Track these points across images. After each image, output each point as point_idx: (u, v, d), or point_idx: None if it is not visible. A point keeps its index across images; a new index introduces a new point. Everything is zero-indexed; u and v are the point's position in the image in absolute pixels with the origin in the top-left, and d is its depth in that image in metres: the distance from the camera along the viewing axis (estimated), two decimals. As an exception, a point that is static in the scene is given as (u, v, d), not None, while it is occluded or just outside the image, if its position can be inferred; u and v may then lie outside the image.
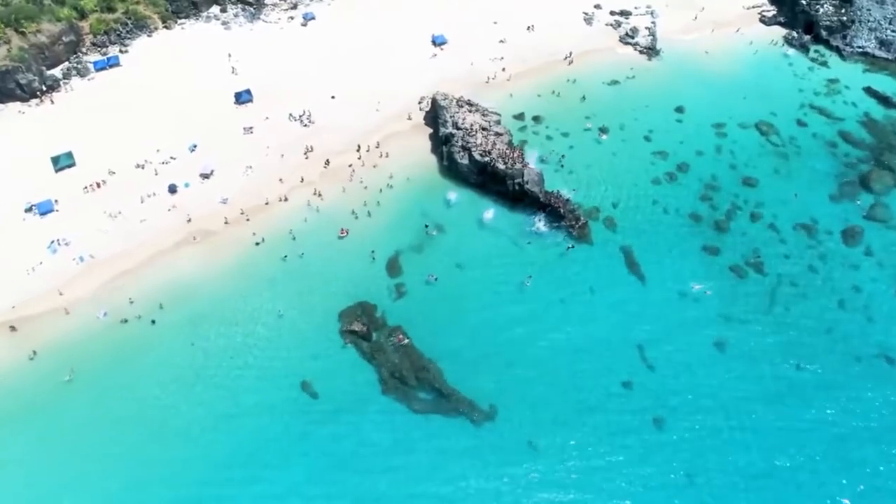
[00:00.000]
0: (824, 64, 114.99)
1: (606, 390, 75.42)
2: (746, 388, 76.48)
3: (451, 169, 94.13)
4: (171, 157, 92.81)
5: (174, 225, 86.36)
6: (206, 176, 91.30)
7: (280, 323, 78.94)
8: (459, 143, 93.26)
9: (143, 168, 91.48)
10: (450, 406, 73.27)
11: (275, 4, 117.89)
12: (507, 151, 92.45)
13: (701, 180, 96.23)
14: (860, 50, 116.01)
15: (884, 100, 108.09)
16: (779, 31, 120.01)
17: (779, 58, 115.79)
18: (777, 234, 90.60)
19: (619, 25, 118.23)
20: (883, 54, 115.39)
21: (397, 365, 76.07)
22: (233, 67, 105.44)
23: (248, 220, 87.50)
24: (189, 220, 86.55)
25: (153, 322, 77.96)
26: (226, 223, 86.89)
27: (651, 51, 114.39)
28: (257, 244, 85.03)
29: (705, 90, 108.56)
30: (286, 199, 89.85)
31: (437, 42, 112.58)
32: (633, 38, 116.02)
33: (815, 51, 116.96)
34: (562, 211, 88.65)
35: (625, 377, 76.52)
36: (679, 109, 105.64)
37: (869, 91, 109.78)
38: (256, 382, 74.47)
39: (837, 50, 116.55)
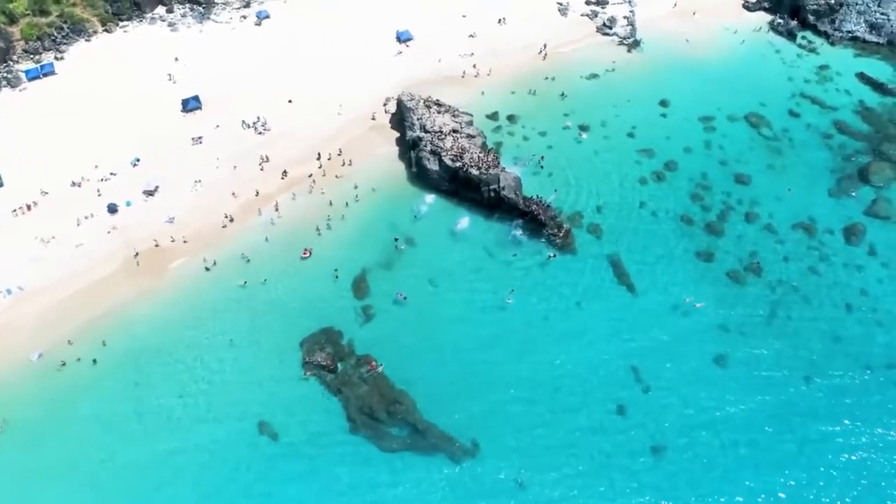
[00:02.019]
0: (813, 50, 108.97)
1: (599, 417, 68.31)
2: (751, 406, 69.82)
3: (420, 176, 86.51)
4: (111, 174, 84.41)
5: (115, 249, 78.00)
6: (150, 193, 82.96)
7: (235, 356, 70.95)
8: (428, 148, 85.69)
9: (79, 186, 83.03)
10: (427, 443, 65.81)
11: (226, 3, 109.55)
12: (481, 155, 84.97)
13: (691, 179, 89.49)
14: (849, 34, 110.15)
15: (878, 86, 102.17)
16: (763, 17, 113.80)
17: (765, 45, 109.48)
18: (774, 234, 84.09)
19: (596, 15, 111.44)
20: (873, 38, 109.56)
21: (366, 399, 68.39)
22: (170, 74, 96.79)
23: (197, 241, 79.20)
24: (131, 244, 78.11)
25: (94, 361, 69.68)
26: (173, 245, 78.66)
27: (630, 41, 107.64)
28: (208, 269, 76.80)
29: (690, 82, 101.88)
30: (240, 216, 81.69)
31: (402, 38, 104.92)
32: (610, 28, 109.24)
33: (803, 37, 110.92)
34: (542, 218, 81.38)
35: (619, 401, 69.48)
36: (663, 103, 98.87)
37: (862, 77, 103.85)
38: (209, 424, 66.52)
39: (826, 35, 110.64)
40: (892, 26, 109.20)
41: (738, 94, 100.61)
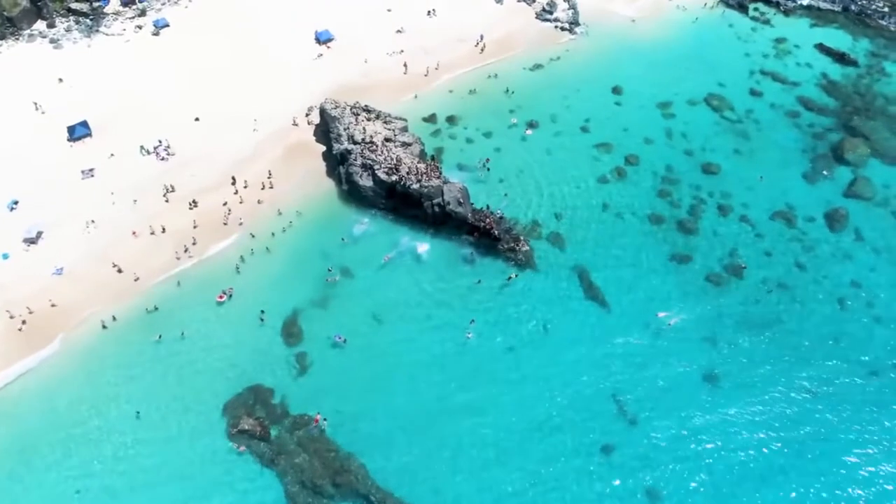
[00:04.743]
0: (767, 22, 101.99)
1: (583, 462, 58.88)
2: (752, 430, 61.73)
3: (352, 194, 75.62)
4: (-17, 222, 71.19)
5: (-11, 313, 65.04)
6: (31, 241, 70.23)
7: (144, 433, 59.13)
8: (359, 161, 74.84)
9: (-57, 241, 69.48)
10: (383, 517, 55.32)
11: (117, 13, 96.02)
12: (420, 165, 74.48)
13: (655, 173, 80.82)
14: (803, 3, 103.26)
15: (839, 57, 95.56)
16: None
17: (717, 20, 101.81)
18: (752, 228, 76.18)
19: (534, 0, 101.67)
20: (828, 6, 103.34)
21: (307, 469, 57.25)
22: (41, 102, 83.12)
23: (94, 294, 66.67)
24: (11, 305, 65.21)
25: (-33, 454, 56.87)
26: (63, 301, 65.82)
27: (574, 26, 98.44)
28: (105, 327, 64.34)
29: (642, 66, 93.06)
30: (143, 260, 69.34)
31: (322, 39, 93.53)
32: (551, 13, 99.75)
33: (755, 8, 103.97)
34: (496, 232, 71.34)
35: (603, 439, 60.15)
36: (616, 90, 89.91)
37: (821, 48, 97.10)
38: (115, 524, 54.52)
39: (778, 5, 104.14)
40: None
41: (695, 75, 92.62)
